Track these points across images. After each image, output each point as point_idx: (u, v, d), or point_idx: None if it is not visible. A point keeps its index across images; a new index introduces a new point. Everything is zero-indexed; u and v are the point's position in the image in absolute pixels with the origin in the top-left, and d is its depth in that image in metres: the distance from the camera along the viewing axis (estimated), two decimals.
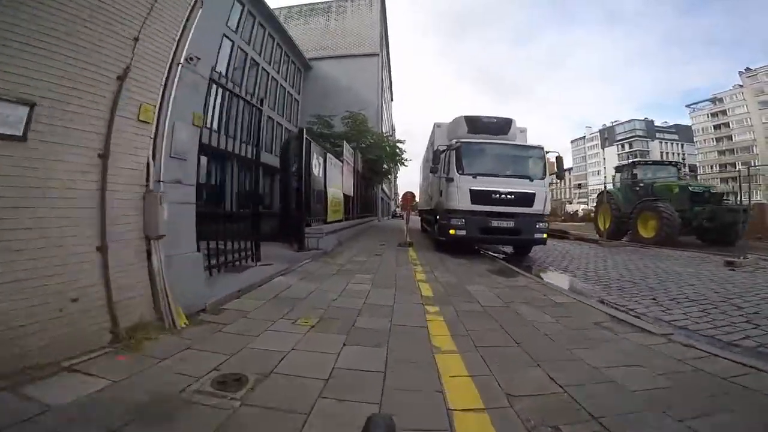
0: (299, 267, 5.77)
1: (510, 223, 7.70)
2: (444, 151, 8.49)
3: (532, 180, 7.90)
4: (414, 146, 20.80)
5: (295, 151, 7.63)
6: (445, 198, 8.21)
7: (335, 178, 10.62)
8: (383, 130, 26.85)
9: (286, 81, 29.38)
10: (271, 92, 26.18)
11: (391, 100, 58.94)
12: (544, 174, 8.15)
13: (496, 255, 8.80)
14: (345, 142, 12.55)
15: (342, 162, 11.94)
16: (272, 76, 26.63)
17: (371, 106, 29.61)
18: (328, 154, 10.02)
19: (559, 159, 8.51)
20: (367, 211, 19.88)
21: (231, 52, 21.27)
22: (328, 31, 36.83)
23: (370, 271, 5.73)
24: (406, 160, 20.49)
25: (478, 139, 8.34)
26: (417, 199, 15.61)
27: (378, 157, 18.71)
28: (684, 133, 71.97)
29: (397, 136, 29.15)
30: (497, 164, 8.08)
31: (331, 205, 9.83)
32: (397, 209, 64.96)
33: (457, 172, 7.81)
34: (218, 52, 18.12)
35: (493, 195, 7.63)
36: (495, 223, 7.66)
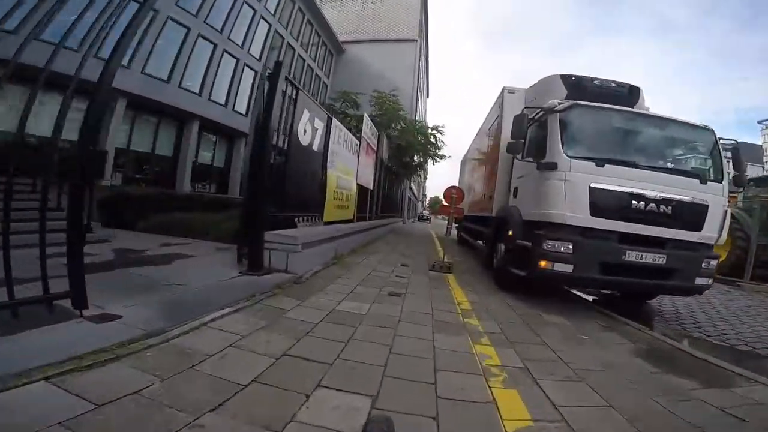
0: (190, 333, 2.43)
1: (659, 259, 4.04)
2: (537, 116, 4.93)
3: (703, 181, 4.20)
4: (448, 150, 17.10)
5: (262, 99, 4.31)
6: (534, 200, 4.66)
7: (345, 159, 7.28)
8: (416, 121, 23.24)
9: (314, 62, 26.65)
10: (297, 73, 23.67)
11: (427, 96, 55.28)
12: (721, 174, 4.40)
13: (593, 298, 5.09)
14: (366, 115, 9.25)
15: (359, 141, 8.60)
16: (298, 54, 23.96)
17: (405, 94, 26.40)
18: (335, 121, 6.68)
19: (736, 151, 4.71)
20: (391, 211, 16.47)
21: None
22: (363, 15, 34.23)
23: (373, 361, 2.29)
24: (442, 154, 16.74)
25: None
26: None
27: (409, 144, 15.11)
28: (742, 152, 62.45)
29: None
30: (636, 150, 4.48)
31: (334, 196, 6.49)
32: (424, 211, 61.03)
33: (565, 153, 4.23)
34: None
35: (633, 202, 4.03)
36: (631, 257, 4.01)
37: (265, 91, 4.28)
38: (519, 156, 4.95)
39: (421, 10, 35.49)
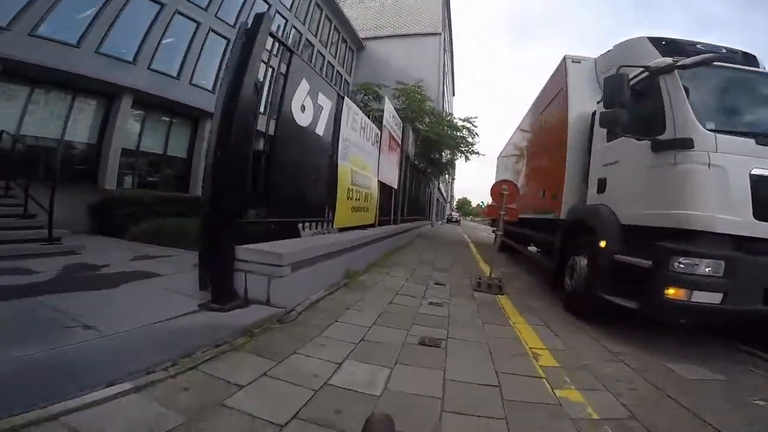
0: None
1: None
2: (645, 78, 3.41)
3: None
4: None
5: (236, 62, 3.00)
6: (646, 195, 3.20)
7: (363, 150, 5.93)
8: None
9: (335, 58, 25.85)
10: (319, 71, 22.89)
11: (453, 94, 53.18)
12: None
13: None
14: (386, 99, 7.88)
15: (381, 132, 7.24)
16: (317, 50, 23.19)
17: (431, 89, 24.79)
18: (349, 102, 5.34)
19: None
20: (418, 213, 14.97)
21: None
22: (384, 10, 33.25)
23: None
24: (476, 150, 14.89)
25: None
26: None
27: (440, 138, 13.45)
28: None
29: None
30: None
31: (348, 195, 5.14)
32: (453, 213, 58.65)
33: (703, 126, 2.76)
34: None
35: None
36: None
37: (249, 48, 2.99)
38: (619, 130, 3.36)
39: (444, 4, 33.97)
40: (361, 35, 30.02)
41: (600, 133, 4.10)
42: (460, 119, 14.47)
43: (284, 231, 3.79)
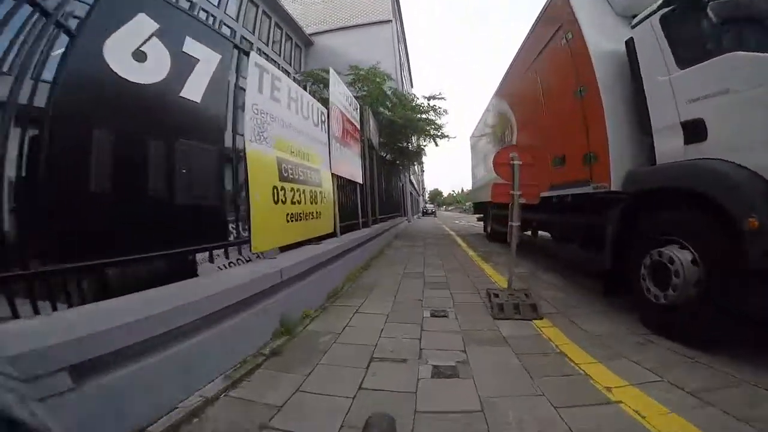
0: None
1: None
2: None
3: None
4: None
5: None
6: None
7: (302, 133, 4.10)
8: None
9: (279, 56, 23.85)
10: None
11: (411, 86, 51.97)
12: None
13: None
14: (331, 70, 6.10)
15: (330, 110, 5.44)
16: (259, 49, 21.07)
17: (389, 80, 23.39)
18: (262, 62, 3.49)
19: None
20: (392, 211, 13.25)
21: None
22: (330, 2, 31.43)
23: None
24: (445, 134, 13.26)
25: None
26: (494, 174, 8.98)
27: (408, 120, 11.70)
28: None
29: None
30: None
31: (274, 196, 3.28)
32: (428, 205, 57.16)
33: None
34: None
35: None
36: None
37: None
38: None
39: None
40: (309, 30, 28.18)
41: (656, 60, 2.63)
42: (424, 97, 12.81)
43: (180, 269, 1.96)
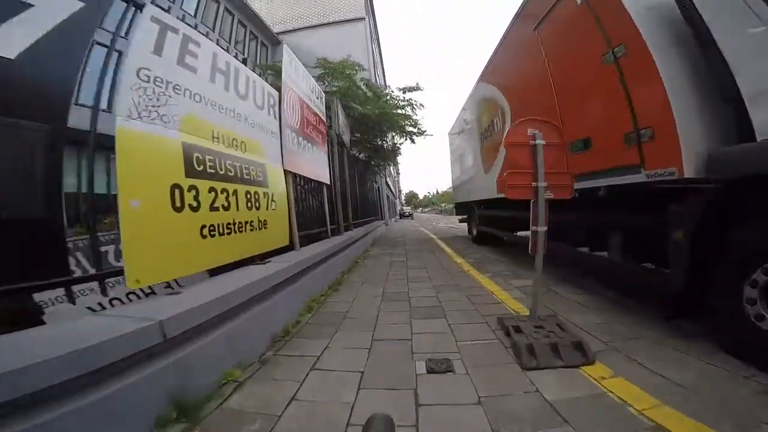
0: None
1: None
2: None
3: None
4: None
5: None
6: None
7: (236, 116, 2.99)
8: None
9: (245, 56, 22.38)
10: None
11: (386, 86, 51.31)
12: None
13: None
14: (285, 47, 5.00)
15: (282, 91, 4.35)
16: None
17: (363, 75, 22.48)
18: (159, 12, 2.38)
19: None
20: (368, 215, 12.20)
21: None
22: (299, 1, 30.29)
23: None
24: (423, 130, 12.37)
25: None
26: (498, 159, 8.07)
27: (383, 114, 10.69)
28: None
29: None
30: None
31: (174, 200, 2.16)
32: (405, 208, 56.10)
33: None
34: None
35: None
36: None
37: None
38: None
39: None
40: (278, 29, 26.89)
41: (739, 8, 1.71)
42: (399, 89, 11.89)
43: None
